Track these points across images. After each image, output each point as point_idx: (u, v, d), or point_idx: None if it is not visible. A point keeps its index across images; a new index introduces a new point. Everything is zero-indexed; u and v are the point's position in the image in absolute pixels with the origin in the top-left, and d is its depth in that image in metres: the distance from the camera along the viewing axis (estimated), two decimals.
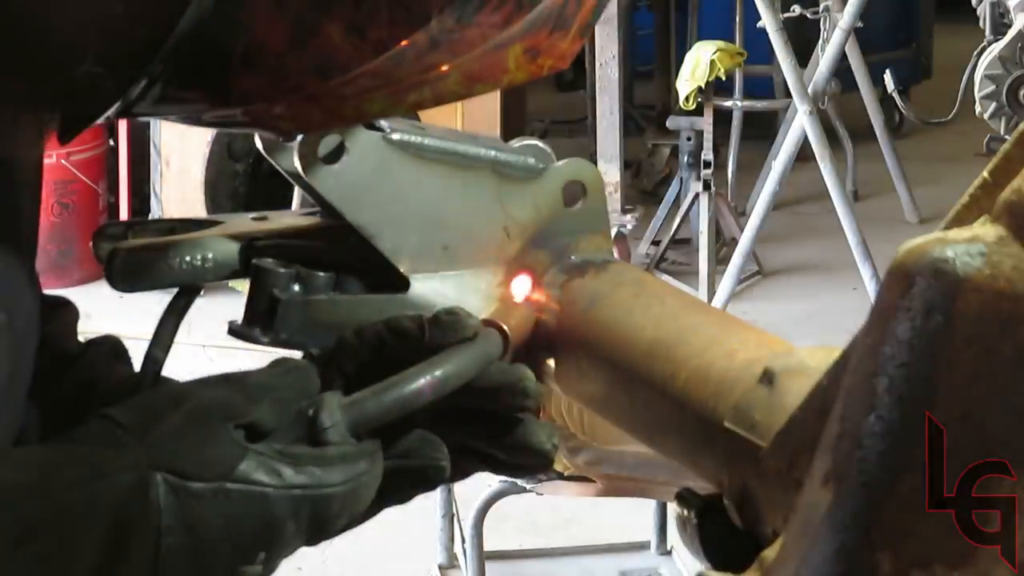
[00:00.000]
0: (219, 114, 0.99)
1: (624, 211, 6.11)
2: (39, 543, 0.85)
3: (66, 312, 1.18)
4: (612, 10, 6.37)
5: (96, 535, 0.86)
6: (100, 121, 0.94)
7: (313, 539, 0.96)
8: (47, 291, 1.08)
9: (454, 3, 0.91)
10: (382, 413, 0.99)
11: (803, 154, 5.85)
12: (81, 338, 1.20)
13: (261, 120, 0.99)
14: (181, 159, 6.55)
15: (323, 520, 0.95)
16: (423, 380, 1.01)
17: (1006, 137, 2.31)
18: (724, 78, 6.29)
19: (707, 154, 6.25)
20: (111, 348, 1.19)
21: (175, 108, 0.99)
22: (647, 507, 3.50)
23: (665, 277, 6.09)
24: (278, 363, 1.02)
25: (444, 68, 0.95)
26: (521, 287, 1.28)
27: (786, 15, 6.27)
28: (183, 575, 0.89)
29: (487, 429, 1.08)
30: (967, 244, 0.76)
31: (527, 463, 1.10)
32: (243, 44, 0.90)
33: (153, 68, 0.89)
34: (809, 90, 5.74)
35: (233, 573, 0.92)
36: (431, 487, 1.06)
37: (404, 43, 0.91)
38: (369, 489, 0.98)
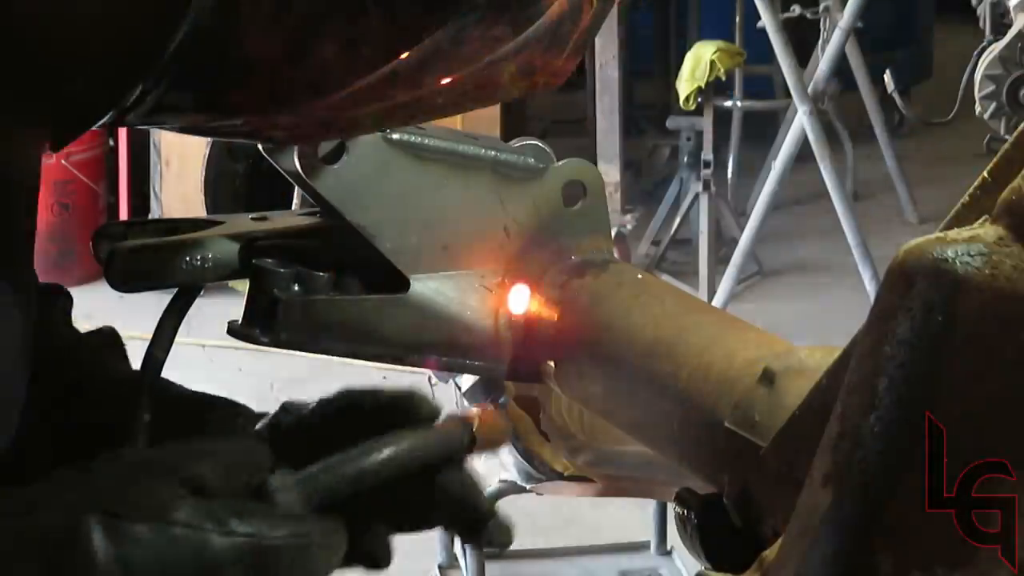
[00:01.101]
0: (213, 124, 0.99)
1: (624, 211, 6.12)
2: None
3: (60, 300, 1.18)
4: (612, 10, 6.36)
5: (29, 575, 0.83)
6: (92, 129, 0.94)
7: None
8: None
9: (448, 22, 0.90)
10: (337, 486, 0.94)
11: (803, 154, 5.84)
12: None
13: (255, 131, 0.99)
14: (181, 159, 6.54)
15: (268, 573, 0.89)
16: (382, 454, 0.96)
17: (1006, 137, 2.31)
18: (724, 78, 6.29)
19: (707, 154, 6.25)
20: (106, 340, 1.18)
21: (167, 118, 0.99)
22: (647, 507, 3.50)
23: (665, 277, 6.09)
24: (230, 435, 1.01)
25: (437, 84, 0.95)
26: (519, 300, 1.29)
27: (786, 15, 6.27)
28: None
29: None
30: (967, 244, 0.76)
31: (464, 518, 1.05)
32: (237, 58, 0.90)
33: (147, 81, 0.89)
34: (809, 90, 5.74)
35: None
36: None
37: (397, 60, 0.91)
38: (326, 555, 0.91)
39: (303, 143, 1.16)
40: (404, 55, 0.90)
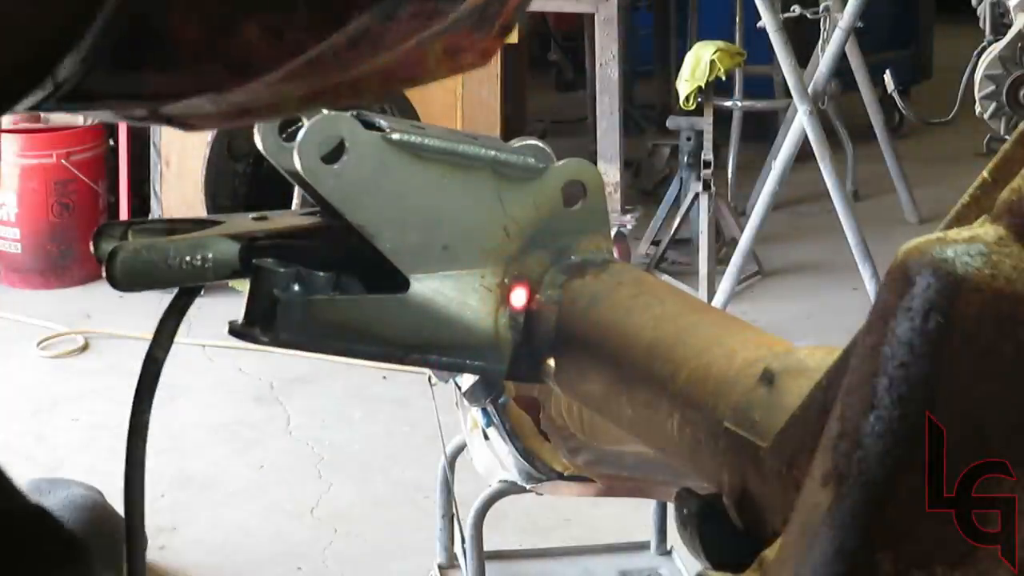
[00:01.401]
0: (131, 110, 0.97)
1: (624, 211, 6.12)
2: None
3: None
4: (612, 10, 6.37)
5: None
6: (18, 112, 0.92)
7: None
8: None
9: (374, 5, 0.90)
10: None
11: (803, 154, 5.85)
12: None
13: (174, 116, 0.98)
14: (181, 159, 6.54)
15: None
16: None
17: (1006, 137, 2.31)
18: (724, 78, 6.29)
19: (707, 154, 6.25)
20: None
21: (83, 106, 0.97)
22: (647, 507, 3.50)
23: (665, 277, 6.09)
24: None
25: (363, 66, 0.94)
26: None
27: (786, 15, 6.27)
28: None
29: None
30: (967, 244, 0.76)
31: None
32: (156, 44, 0.89)
33: (62, 70, 0.88)
34: (809, 90, 5.75)
35: None
36: None
37: (324, 43, 0.90)
38: None
39: (222, 127, 1.15)
40: (331, 38, 0.89)
